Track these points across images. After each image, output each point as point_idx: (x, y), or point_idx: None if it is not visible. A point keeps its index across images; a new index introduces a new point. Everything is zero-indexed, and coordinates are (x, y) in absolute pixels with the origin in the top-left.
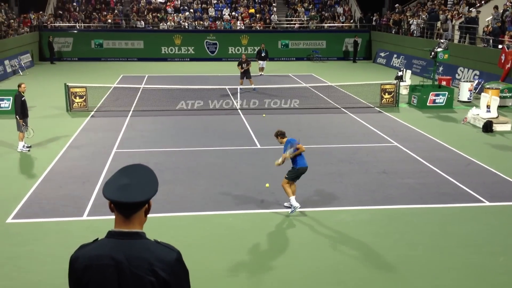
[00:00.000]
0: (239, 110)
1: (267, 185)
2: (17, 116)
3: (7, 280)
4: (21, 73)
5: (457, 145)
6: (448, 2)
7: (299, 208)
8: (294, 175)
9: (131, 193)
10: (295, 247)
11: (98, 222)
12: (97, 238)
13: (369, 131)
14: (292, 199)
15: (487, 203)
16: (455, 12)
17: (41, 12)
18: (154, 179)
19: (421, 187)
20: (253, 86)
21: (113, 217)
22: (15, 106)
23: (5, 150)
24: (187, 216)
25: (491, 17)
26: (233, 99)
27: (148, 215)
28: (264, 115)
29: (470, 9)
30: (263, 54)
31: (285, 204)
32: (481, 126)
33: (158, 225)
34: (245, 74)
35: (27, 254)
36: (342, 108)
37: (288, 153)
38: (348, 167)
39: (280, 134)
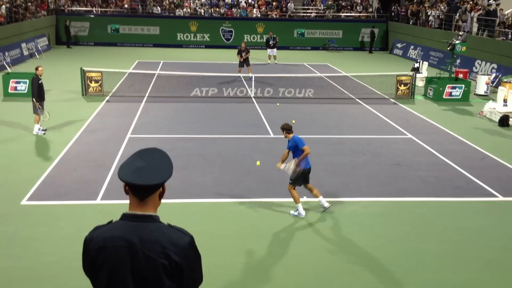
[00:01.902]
0: (253, 99)
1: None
2: (33, 99)
3: (20, 261)
4: (37, 56)
5: (473, 138)
6: None
7: (304, 217)
8: (300, 178)
9: (146, 175)
10: (306, 236)
11: (111, 206)
12: (112, 220)
13: (384, 123)
14: (299, 206)
15: (501, 198)
16: (473, 3)
17: None
18: (169, 162)
19: (435, 180)
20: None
21: (126, 201)
22: (32, 88)
23: (21, 132)
24: (199, 202)
25: (511, 10)
26: (247, 87)
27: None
28: (278, 104)
29: (490, 1)
30: (270, 42)
31: (292, 212)
32: (497, 120)
33: (170, 211)
34: (244, 62)
35: (41, 236)
36: (356, 99)
37: (293, 164)
38: (361, 158)
39: (285, 129)
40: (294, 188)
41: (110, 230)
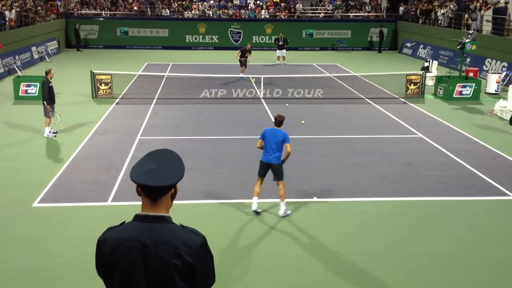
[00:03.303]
0: (262, 99)
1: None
2: (44, 102)
3: (33, 262)
4: (47, 59)
5: (483, 137)
6: None
7: (255, 213)
8: (259, 168)
9: (158, 177)
10: (316, 237)
11: (122, 208)
12: (124, 221)
13: (394, 122)
14: (254, 199)
15: None
16: (483, 1)
17: None
18: (180, 164)
19: (446, 179)
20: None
21: (137, 203)
22: (42, 92)
23: (32, 135)
24: (209, 203)
25: None
26: (256, 88)
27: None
28: (287, 104)
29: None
30: (280, 43)
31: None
32: (508, 119)
33: (180, 212)
34: (244, 61)
35: (53, 238)
36: (366, 99)
37: None
38: (371, 158)
39: (276, 118)
40: (258, 180)
41: (123, 231)
